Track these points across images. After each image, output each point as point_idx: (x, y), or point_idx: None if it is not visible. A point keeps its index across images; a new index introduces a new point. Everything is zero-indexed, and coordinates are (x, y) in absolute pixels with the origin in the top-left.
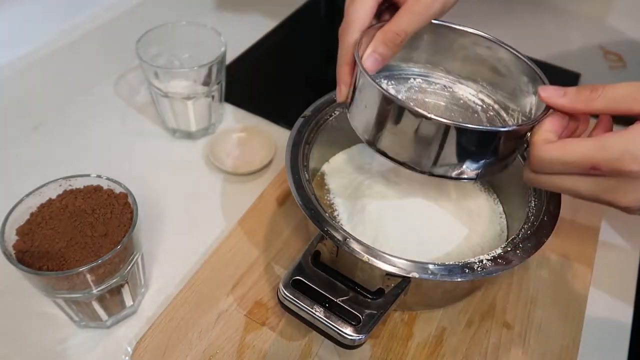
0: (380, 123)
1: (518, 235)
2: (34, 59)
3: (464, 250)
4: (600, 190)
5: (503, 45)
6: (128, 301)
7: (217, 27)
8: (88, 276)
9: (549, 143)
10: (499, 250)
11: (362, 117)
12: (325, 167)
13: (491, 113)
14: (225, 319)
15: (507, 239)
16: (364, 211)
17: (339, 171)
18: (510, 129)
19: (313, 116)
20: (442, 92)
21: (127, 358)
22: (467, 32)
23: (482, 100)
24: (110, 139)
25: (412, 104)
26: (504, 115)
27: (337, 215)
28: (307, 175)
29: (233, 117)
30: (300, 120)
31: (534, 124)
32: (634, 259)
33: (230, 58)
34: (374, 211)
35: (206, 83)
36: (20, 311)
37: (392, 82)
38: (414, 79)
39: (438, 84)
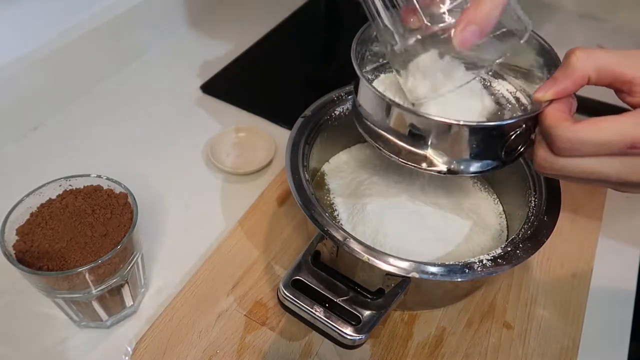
0: (380, 125)
1: (518, 235)
2: (34, 59)
3: (463, 250)
4: (632, 171)
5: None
6: (128, 301)
7: (217, 27)
8: (88, 276)
9: (578, 122)
10: (499, 250)
11: (367, 119)
12: (325, 167)
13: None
14: (225, 319)
15: (507, 239)
16: (364, 211)
17: (339, 171)
18: (505, 123)
19: (313, 116)
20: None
21: (127, 358)
22: None
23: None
24: (110, 139)
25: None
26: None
27: (337, 215)
28: (307, 175)
29: (233, 117)
30: (300, 120)
31: (533, 114)
32: (634, 259)
33: (230, 58)
34: (374, 211)
35: None
36: (20, 311)
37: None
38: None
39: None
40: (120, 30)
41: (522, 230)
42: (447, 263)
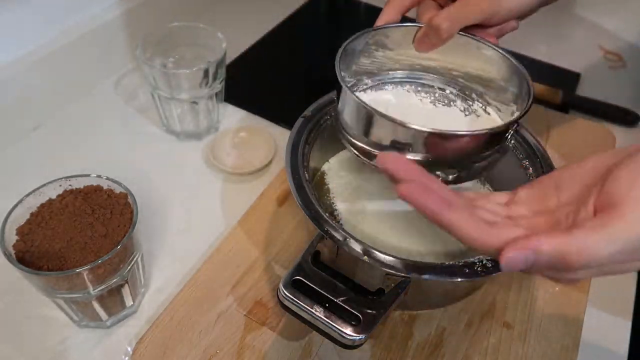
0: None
1: None
2: (34, 59)
3: (464, 250)
4: None
5: (488, 44)
6: (128, 301)
7: (217, 27)
8: (88, 276)
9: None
10: None
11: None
12: (325, 167)
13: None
14: (225, 319)
15: None
16: (364, 211)
17: (339, 171)
18: (483, 132)
19: (313, 116)
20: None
21: (127, 358)
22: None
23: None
24: (110, 139)
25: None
26: (483, 108)
27: (337, 215)
28: (307, 175)
29: (233, 117)
30: (300, 120)
31: (509, 125)
32: None
33: (230, 58)
34: (373, 211)
35: (207, 83)
36: (21, 311)
37: (380, 87)
38: (402, 83)
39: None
40: (119, 30)
41: None
42: (447, 263)
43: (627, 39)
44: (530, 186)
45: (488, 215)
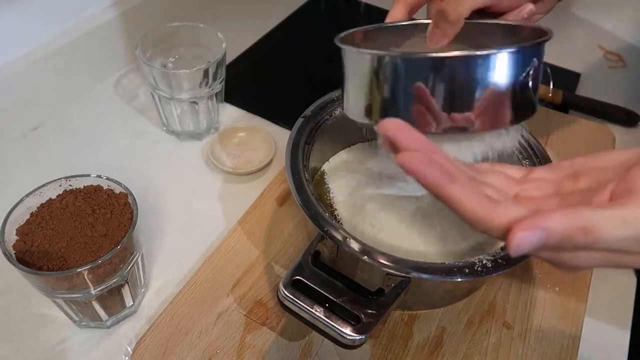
0: (382, 90)
1: None
2: (34, 59)
3: (464, 250)
4: None
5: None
6: (128, 301)
7: (217, 27)
8: (88, 276)
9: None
10: (499, 250)
11: (359, 97)
12: (326, 167)
13: None
14: (225, 319)
15: None
16: (364, 211)
17: (339, 171)
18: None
19: (313, 116)
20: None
21: (127, 358)
22: None
23: None
24: (110, 139)
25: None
26: None
27: (337, 215)
28: (307, 175)
29: (233, 117)
30: (300, 120)
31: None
32: None
33: (230, 58)
34: (374, 211)
35: (207, 83)
36: (21, 311)
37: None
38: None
39: None
40: (119, 30)
41: None
42: (447, 263)
43: (627, 39)
44: (548, 168)
45: (492, 193)
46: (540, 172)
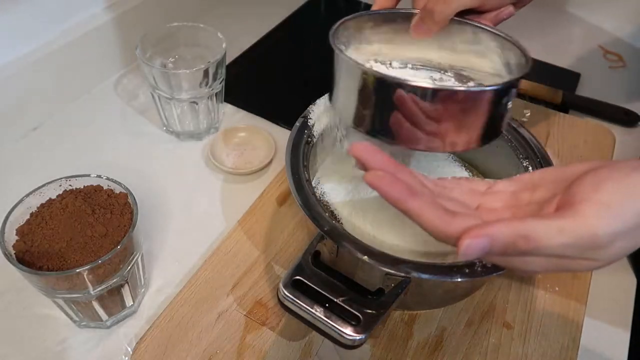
0: (366, 102)
1: None
2: (34, 59)
3: None
4: None
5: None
6: (128, 301)
7: (217, 28)
8: (88, 276)
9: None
10: None
11: (346, 101)
12: (325, 167)
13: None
14: (225, 319)
15: None
16: (364, 211)
17: (338, 171)
18: (498, 87)
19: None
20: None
21: (127, 358)
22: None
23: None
24: (110, 139)
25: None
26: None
27: (337, 215)
28: (307, 175)
29: (233, 117)
30: (300, 120)
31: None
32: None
33: (230, 58)
34: (373, 211)
35: (207, 83)
36: (21, 311)
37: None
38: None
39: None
40: (119, 30)
41: None
42: (447, 263)
43: (627, 39)
44: (510, 181)
45: (453, 206)
46: (502, 184)
